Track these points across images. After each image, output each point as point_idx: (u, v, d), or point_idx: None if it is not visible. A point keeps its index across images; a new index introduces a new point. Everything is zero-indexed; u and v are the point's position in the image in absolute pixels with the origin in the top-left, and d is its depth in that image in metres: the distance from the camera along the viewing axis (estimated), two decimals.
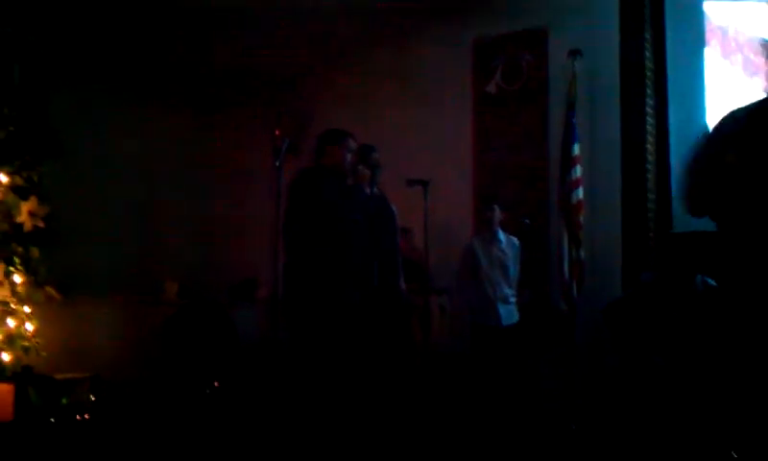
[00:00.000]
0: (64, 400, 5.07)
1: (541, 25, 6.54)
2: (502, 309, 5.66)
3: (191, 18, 6.77)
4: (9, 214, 4.90)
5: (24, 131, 4.99)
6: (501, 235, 5.82)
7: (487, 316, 5.66)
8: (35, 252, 4.96)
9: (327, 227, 4.50)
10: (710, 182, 1.84)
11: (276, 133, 5.11)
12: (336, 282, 4.51)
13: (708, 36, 6.02)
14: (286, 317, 4.45)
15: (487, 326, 5.65)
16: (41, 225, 4.93)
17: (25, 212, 4.89)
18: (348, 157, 4.72)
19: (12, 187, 4.87)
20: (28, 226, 4.89)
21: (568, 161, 5.90)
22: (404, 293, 4.99)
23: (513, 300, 5.74)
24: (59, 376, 5.17)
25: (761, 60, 5.81)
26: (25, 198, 4.94)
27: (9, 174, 4.87)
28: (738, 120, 1.84)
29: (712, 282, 4.20)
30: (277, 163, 4.61)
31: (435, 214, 6.08)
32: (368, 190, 4.81)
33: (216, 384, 5.78)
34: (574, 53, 5.96)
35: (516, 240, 5.87)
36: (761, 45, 5.84)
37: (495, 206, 5.82)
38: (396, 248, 5.08)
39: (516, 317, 5.73)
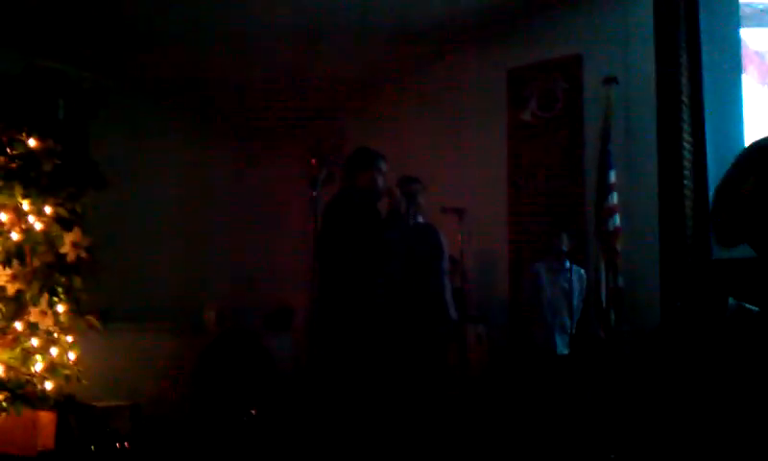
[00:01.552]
0: (105, 429, 5.12)
1: (576, 52, 6.53)
2: (559, 338, 5.63)
3: (225, 50, 6.88)
4: (53, 245, 4.97)
5: (69, 163, 5.09)
6: (569, 264, 5.76)
7: (543, 342, 5.64)
8: (77, 281, 5.04)
9: (362, 250, 4.44)
10: (732, 214, 1.83)
11: (313, 162, 5.13)
12: (371, 306, 4.47)
13: (744, 61, 5.96)
14: (319, 342, 4.45)
15: (541, 351, 5.63)
16: (84, 255, 5.00)
17: (69, 243, 4.97)
18: (380, 179, 4.66)
19: (57, 218, 4.96)
20: (71, 256, 4.97)
21: (604, 188, 5.85)
22: (452, 321, 4.94)
23: (570, 331, 5.67)
24: (99, 405, 5.23)
25: None
26: (69, 229, 5.01)
27: (54, 205, 4.96)
28: (759, 150, 1.82)
29: (753, 308, 4.11)
30: (314, 194, 4.65)
31: (470, 242, 6.10)
32: (405, 214, 4.72)
33: (254, 412, 5.79)
34: (609, 80, 5.92)
35: (582, 272, 5.81)
36: None
37: (564, 234, 5.78)
38: (442, 274, 5.00)
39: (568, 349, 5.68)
